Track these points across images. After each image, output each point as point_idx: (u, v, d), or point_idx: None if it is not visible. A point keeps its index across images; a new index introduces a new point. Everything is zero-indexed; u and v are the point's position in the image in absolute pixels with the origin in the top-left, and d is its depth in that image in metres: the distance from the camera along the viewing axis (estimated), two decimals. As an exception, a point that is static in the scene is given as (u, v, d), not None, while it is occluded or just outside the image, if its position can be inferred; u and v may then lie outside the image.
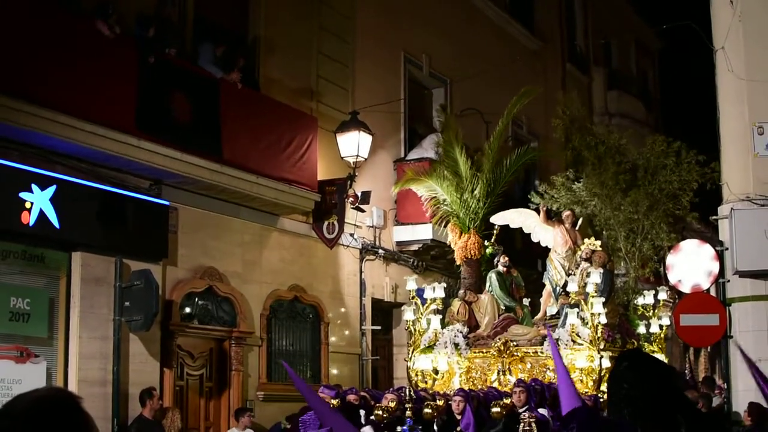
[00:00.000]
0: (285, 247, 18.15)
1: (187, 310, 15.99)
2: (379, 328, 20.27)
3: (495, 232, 18.01)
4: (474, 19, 24.97)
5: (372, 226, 20.26)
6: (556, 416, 12.85)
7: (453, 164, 18.48)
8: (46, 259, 13.81)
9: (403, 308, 17.05)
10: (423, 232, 20.42)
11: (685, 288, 16.49)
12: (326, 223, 18.52)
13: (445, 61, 23.53)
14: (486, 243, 18.11)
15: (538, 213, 17.38)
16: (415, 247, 20.96)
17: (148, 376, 14.72)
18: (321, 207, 18.23)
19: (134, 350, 14.63)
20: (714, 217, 16.63)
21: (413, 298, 16.48)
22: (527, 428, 12.53)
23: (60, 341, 13.82)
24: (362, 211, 19.11)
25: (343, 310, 19.53)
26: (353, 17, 20.47)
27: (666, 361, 20.25)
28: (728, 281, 16.11)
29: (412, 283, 16.52)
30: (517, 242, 19.57)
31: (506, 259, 17.33)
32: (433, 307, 16.54)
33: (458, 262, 18.32)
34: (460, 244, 18.05)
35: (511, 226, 17.84)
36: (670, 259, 16.85)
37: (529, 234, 17.69)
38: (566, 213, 17.35)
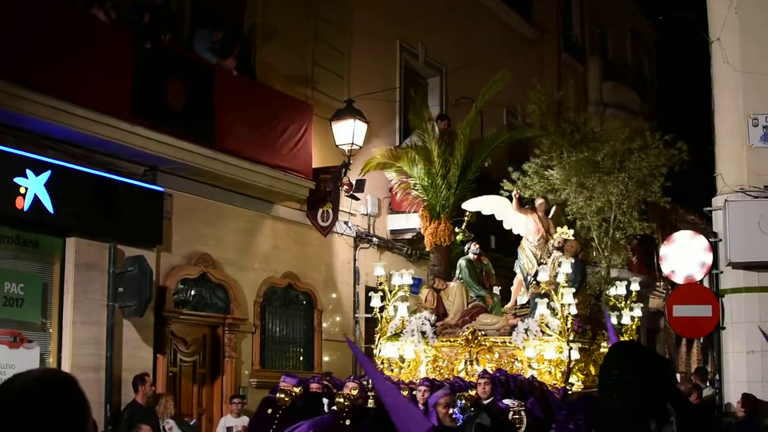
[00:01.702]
0: (279, 234, 18.16)
1: (181, 296, 16.00)
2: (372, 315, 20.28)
3: (466, 218, 17.51)
4: (470, 8, 24.95)
5: (366, 215, 20.27)
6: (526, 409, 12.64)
7: (424, 148, 18.23)
8: (40, 245, 13.80)
9: (370, 294, 16.62)
10: (416, 221, 20.32)
11: (679, 279, 16.54)
12: (320, 210, 18.51)
13: (441, 51, 23.52)
14: (457, 230, 17.71)
15: (511, 200, 16.86)
16: (408, 236, 20.96)
17: (141, 362, 14.73)
18: (315, 195, 18.22)
19: (128, 336, 14.64)
20: (708, 209, 16.66)
21: (381, 284, 15.98)
22: (516, 416, 12.41)
23: (53, 326, 13.82)
24: (357, 199, 19.11)
25: (336, 297, 19.55)
26: (349, 5, 20.44)
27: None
28: (721, 272, 16.16)
29: (380, 269, 16.02)
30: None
31: (477, 246, 16.92)
32: (401, 294, 15.98)
33: (428, 249, 18.10)
34: (430, 230, 17.77)
35: (483, 212, 17.31)
36: (664, 249, 16.89)
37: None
38: (539, 201, 17.00)
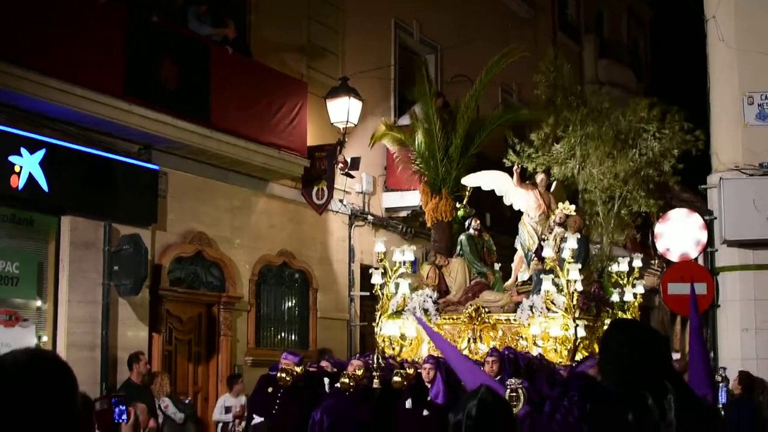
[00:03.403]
0: (274, 212, 18.15)
1: (176, 274, 15.99)
2: (368, 293, 20.26)
3: (467, 193, 17.40)
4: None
5: (361, 192, 20.25)
6: (531, 388, 12.51)
7: (425, 122, 18.13)
8: (35, 223, 13.79)
9: (371, 271, 16.47)
10: (412, 199, 20.28)
11: (674, 257, 16.55)
12: (315, 188, 18.50)
13: (436, 28, 23.46)
14: (458, 205, 17.56)
15: (512, 175, 16.61)
16: (403, 214, 20.94)
17: (136, 341, 14.75)
18: (310, 173, 18.20)
19: (123, 315, 14.64)
20: (703, 186, 16.66)
21: (381, 261, 15.79)
22: (513, 394, 12.25)
23: (49, 305, 13.82)
24: (351, 177, 19.10)
25: (331, 275, 19.55)
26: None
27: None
28: (716, 251, 16.18)
29: (380, 245, 15.86)
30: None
31: (478, 222, 16.77)
32: (402, 270, 15.79)
33: (428, 225, 17.99)
34: (431, 205, 17.67)
35: (483, 188, 17.08)
36: (659, 227, 16.89)
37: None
38: (540, 176, 16.80)
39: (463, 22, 24.04)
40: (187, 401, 15.22)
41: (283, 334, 18.50)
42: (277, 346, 17.52)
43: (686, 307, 16.76)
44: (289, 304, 18.76)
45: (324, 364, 14.51)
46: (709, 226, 16.15)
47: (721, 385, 14.20)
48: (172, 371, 15.69)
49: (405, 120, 20.53)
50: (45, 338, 13.72)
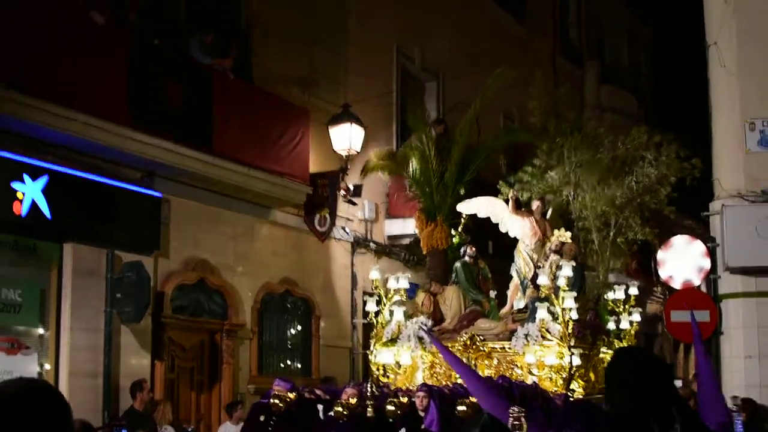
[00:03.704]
0: (276, 239, 18.14)
1: (179, 302, 15.97)
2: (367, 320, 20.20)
3: (462, 221, 17.20)
4: (468, 13, 24.89)
5: (364, 220, 20.25)
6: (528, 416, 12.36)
7: (420, 148, 18.09)
8: (37, 250, 13.79)
9: (365, 299, 16.34)
10: (414, 226, 20.25)
11: (676, 284, 16.52)
12: (318, 216, 18.50)
13: (438, 55, 23.51)
14: (453, 232, 17.44)
15: (507, 203, 16.39)
16: (406, 241, 20.92)
17: (139, 369, 14.71)
18: (313, 200, 18.21)
19: (125, 342, 14.61)
20: (705, 214, 16.64)
21: (376, 287, 15.44)
22: (516, 422, 12.09)
23: (51, 333, 13.79)
24: (354, 204, 19.10)
25: (334, 303, 19.53)
26: (346, 10, 20.44)
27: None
28: (719, 277, 16.15)
29: (375, 273, 15.54)
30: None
31: (473, 249, 16.45)
32: (397, 298, 15.40)
33: (424, 252, 17.89)
34: (426, 233, 17.59)
35: (479, 215, 16.80)
36: (661, 254, 16.86)
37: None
38: (536, 203, 16.58)
39: (465, 48, 24.09)
40: (189, 429, 15.17)
41: (285, 362, 18.47)
42: (280, 373, 17.44)
43: (689, 334, 16.77)
44: (292, 331, 18.74)
45: (318, 391, 14.36)
46: (711, 253, 16.13)
47: (735, 414, 14.01)
48: (175, 399, 15.63)
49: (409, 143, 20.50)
50: (47, 366, 13.69)
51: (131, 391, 13.98)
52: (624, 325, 16.07)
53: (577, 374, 14.21)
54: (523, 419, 12.10)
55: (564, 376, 14.02)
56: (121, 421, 13.67)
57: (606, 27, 34.53)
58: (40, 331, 13.76)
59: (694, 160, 19.30)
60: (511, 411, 12.16)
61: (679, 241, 16.90)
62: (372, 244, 20.44)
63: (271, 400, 13.33)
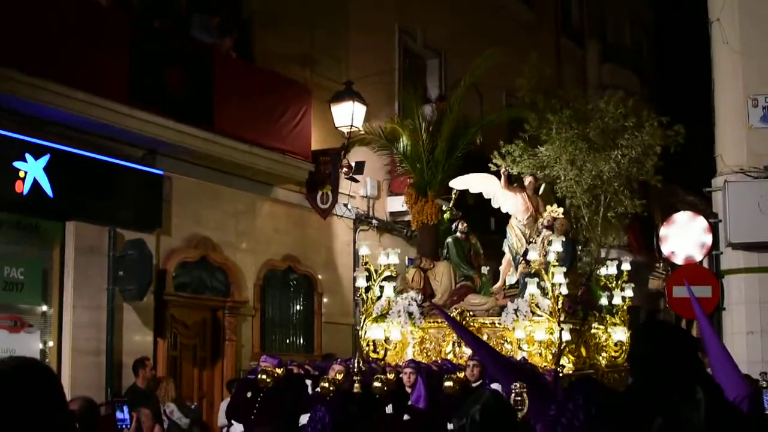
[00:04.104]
0: (278, 217, 18.14)
1: (181, 279, 15.99)
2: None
3: (453, 196, 16.89)
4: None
5: (366, 197, 20.24)
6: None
7: (411, 123, 18.00)
8: (40, 229, 13.80)
9: (355, 274, 16.18)
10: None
11: (679, 260, 16.53)
12: (320, 193, 18.48)
13: (440, 33, 23.44)
14: (444, 207, 17.21)
15: (500, 178, 16.25)
16: (407, 218, 20.87)
17: (141, 346, 14.75)
18: (315, 177, 18.18)
19: (128, 320, 14.64)
20: (707, 189, 16.65)
21: (366, 264, 15.33)
22: (518, 398, 12.03)
23: (54, 311, 13.82)
24: (356, 181, 19.07)
25: (336, 280, 19.55)
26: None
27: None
28: (721, 253, 16.16)
29: (365, 249, 15.48)
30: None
31: (465, 225, 16.32)
32: (387, 273, 15.24)
33: (414, 228, 17.81)
34: (416, 208, 17.50)
35: (471, 191, 16.67)
36: (664, 230, 16.87)
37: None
38: (528, 179, 16.49)
39: (467, 27, 24.01)
40: (192, 406, 15.21)
41: (288, 339, 18.51)
42: (283, 350, 17.49)
43: (691, 310, 16.80)
44: (294, 308, 18.76)
45: (307, 366, 14.27)
46: (713, 228, 16.13)
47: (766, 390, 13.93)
48: (177, 376, 15.68)
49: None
50: (50, 344, 13.72)
51: (134, 369, 14.01)
52: (617, 300, 16.04)
53: (567, 350, 14.16)
54: (525, 395, 12.10)
55: (553, 351, 13.96)
56: (123, 398, 13.71)
57: (608, 6, 34.41)
58: (43, 309, 13.79)
59: (676, 126, 19.18)
60: (513, 387, 12.16)
61: (682, 217, 16.91)
62: (374, 221, 20.44)
63: (259, 376, 13.26)
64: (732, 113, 16.18)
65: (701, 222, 16.33)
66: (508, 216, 16.34)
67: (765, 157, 15.77)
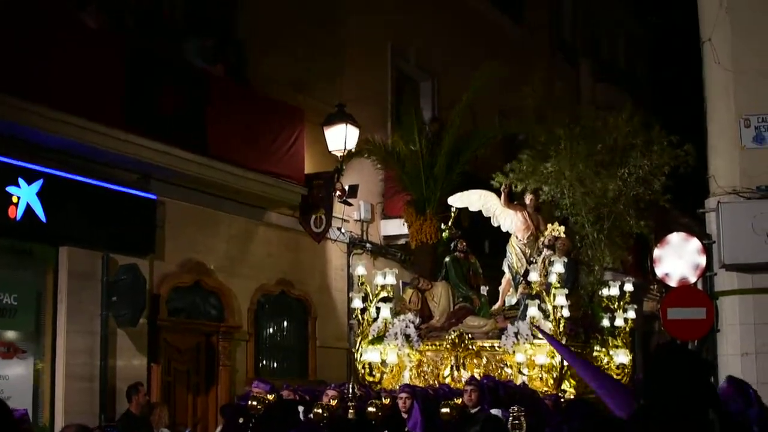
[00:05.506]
0: (272, 241, 18.12)
1: (175, 304, 15.95)
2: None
3: (452, 214, 16.86)
4: (461, 12, 24.85)
5: (359, 220, 20.21)
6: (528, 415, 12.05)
7: (409, 139, 17.87)
8: (33, 254, 13.77)
9: (351, 295, 16.02)
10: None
11: (672, 281, 16.49)
12: (313, 216, 18.46)
13: (433, 54, 23.48)
14: (443, 226, 17.13)
15: (500, 195, 16.17)
16: (402, 241, 20.86)
17: (135, 371, 14.69)
18: (308, 201, 18.17)
19: (121, 345, 14.60)
20: (701, 210, 16.62)
21: (362, 284, 15.39)
22: (516, 422, 11.97)
23: (47, 336, 13.77)
24: (349, 204, 19.06)
25: (330, 304, 19.50)
26: (340, 11, 20.40)
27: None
28: (715, 275, 16.12)
29: (361, 269, 15.58)
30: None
31: (464, 244, 16.29)
32: (383, 294, 15.28)
33: (412, 247, 17.66)
34: (415, 227, 17.35)
35: (470, 208, 16.60)
36: (657, 252, 16.82)
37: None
38: (529, 196, 16.38)
39: (459, 47, 24.07)
40: (186, 432, 15.16)
41: (282, 364, 18.44)
42: (277, 375, 17.43)
43: (687, 331, 16.77)
44: (288, 333, 18.71)
45: (298, 392, 14.07)
46: (707, 250, 16.10)
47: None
48: (171, 402, 15.62)
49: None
50: (43, 369, 13.67)
51: (127, 395, 13.95)
52: (619, 322, 15.92)
53: (568, 374, 13.97)
54: (522, 419, 12.04)
55: (555, 375, 13.82)
56: (115, 423, 13.65)
57: (601, 25, 34.51)
58: (36, 334, 13.72)
59: (686, 146, 19.11)
60: (510, 410, 12.09)
61: (675, 238, 16.85)
62: (368, 245, 20.41)
63: (250, 402, 13.13)
64: (724, 133, 16.15)
65: (695, 243, 16.29)
66: (503, 239, 16.23)
67: (758, 178, 15.74)
